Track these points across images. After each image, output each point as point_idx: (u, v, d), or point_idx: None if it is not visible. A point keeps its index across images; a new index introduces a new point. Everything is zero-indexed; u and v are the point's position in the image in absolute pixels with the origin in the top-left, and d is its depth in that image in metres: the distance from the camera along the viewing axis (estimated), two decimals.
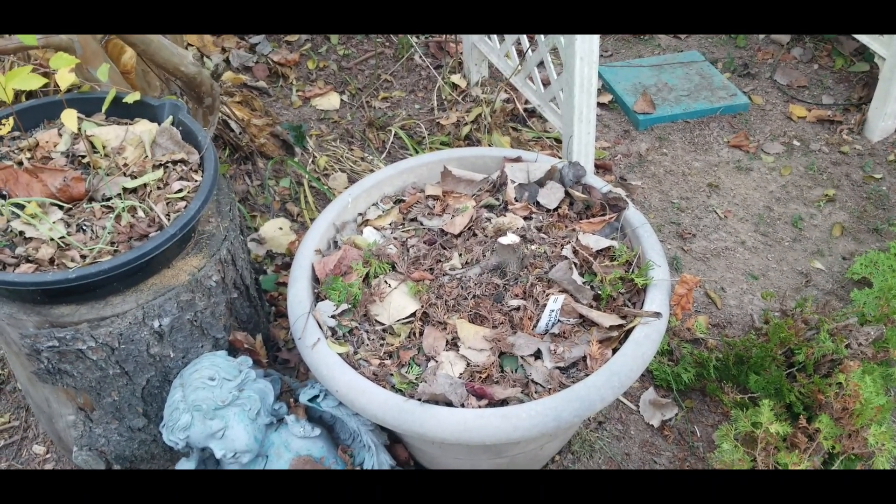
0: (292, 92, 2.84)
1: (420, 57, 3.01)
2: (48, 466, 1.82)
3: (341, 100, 2.83)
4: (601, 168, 2.58)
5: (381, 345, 1.51)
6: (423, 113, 2.79)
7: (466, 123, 2.61)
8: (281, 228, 2.21)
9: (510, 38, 2.50)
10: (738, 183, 2.60)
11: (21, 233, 1.42)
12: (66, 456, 1.80)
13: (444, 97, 2.80)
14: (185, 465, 1.55)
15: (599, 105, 2.90)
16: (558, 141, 2.57)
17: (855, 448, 1.71)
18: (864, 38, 2.70)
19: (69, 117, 1.39)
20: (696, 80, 2.95)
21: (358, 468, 1.58)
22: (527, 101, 2.69)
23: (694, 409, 1.93)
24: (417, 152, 2.54)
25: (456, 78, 2.85)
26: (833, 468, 1.69)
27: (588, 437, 1.85)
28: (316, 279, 1.61)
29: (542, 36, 2.31)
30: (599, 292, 1.55)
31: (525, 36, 2.45)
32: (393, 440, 1.66)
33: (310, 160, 2.49)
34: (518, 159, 1.79)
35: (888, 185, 2.57)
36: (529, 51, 2.41)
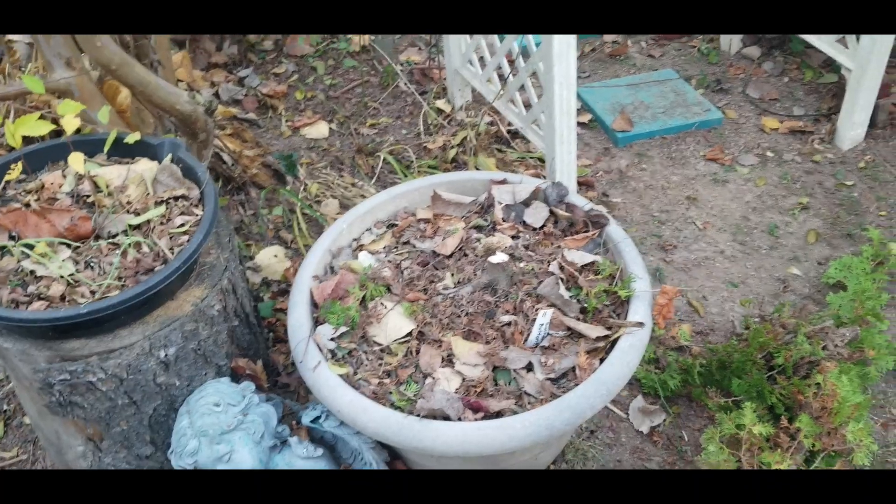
0: (282, 122, 2.92)
1: (405, 84, 3.10)
2: None
3: (330, 128, 2.91)
4: (584, 185, 2.66)
5: (380, 364, 1.58)
6: (410, 138, 2.87)
7: (453, 147, 2.70)
8: (276, 256, 2.28)
9: (491, 64, 2.59)
10: (715, 195, 2.69)
11: (32, 272, 1.49)
12: None
13: (429, 122, 2.89)
14: None
15: (580, 124, 2.99)
16: (542, 161, 2.65)
17: (834, 445, 1.78)
18: (829, 51, 2.80)
19: (76, 161, 1.47)
20: (671, 98, 3.06)
21: None
22: (510, 124, 2.78)
23: (681, 415, 2.01)
24: (406, 176, 2.62)
25: (441, 103, 2.94)
26: (815, 465, 1.77)
27: (581, 445, 1.92)
28: (314, 304, 1.68)
29: (522, 61, 2.40)
30: (585, 305, 1.63)
31: (506, 60, 2.54)
32: (392, 457, 1.72)
33: (301, 188, 2.56)
34: (504, 181, 1.87)
35: (859, 192, 2.67)
36: (511, 76, 2.51)
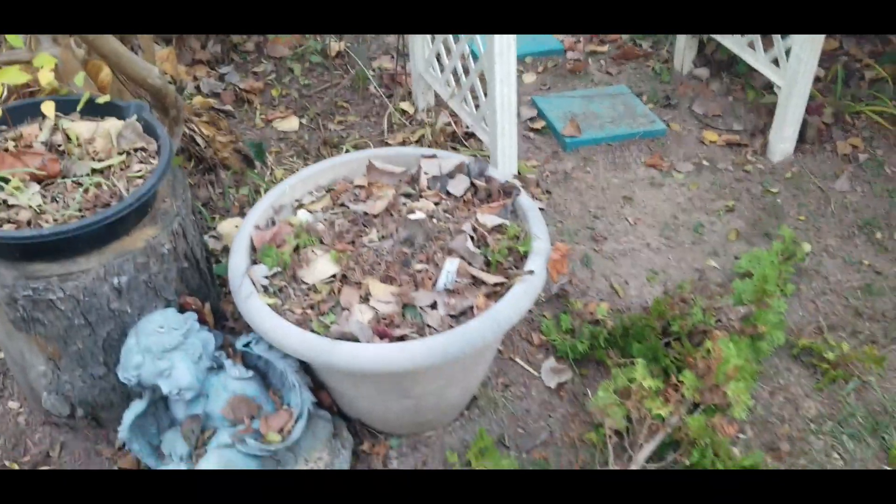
0: (256, 115, 3.18)
1: (375, 87, 3.37)
2: (20, 420, 2.09)
3: (301, 123, 3.17)
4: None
5: (306, 299, 1.80)
6: (374, 134, 3.13)
7: (411, 143, 2.94)
8: (236, 226, 2.51)
9: (448, 67, 2.85)
10: (649, 196, 2.92)
11: (4, 201, 1.72)
12: (36, 409, 2.07)
13: (393, 121, 3.14)
14: (138, 405, 1.83)
15: (533, 130, 3.24)
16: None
17: (715, 400, 1.99)
18: (764, 70, 3.06)
19: (48, 107, 1.71)
20: (620, 110, 3.31)
21: (285, 407, 1.85)
22: (467, 126, 3.02)
23: (588, 376, 2.22)
24: None
25: (405, 105, 3.19)
26: (695, 415, 1.97)
27: (493, 395, 2.13)
28: (254, 249, 1.91)
29: (472, 63, 2.66)
30: (490, 259, 1.85)
31: (461, 64, 2.80)
32: (318, 387, 1.94)
33: (268, 172, 2.81)
34: (433, 156, 2.11)
35: (783, 199, 2.90)
36: (463, 77, 2.76)
